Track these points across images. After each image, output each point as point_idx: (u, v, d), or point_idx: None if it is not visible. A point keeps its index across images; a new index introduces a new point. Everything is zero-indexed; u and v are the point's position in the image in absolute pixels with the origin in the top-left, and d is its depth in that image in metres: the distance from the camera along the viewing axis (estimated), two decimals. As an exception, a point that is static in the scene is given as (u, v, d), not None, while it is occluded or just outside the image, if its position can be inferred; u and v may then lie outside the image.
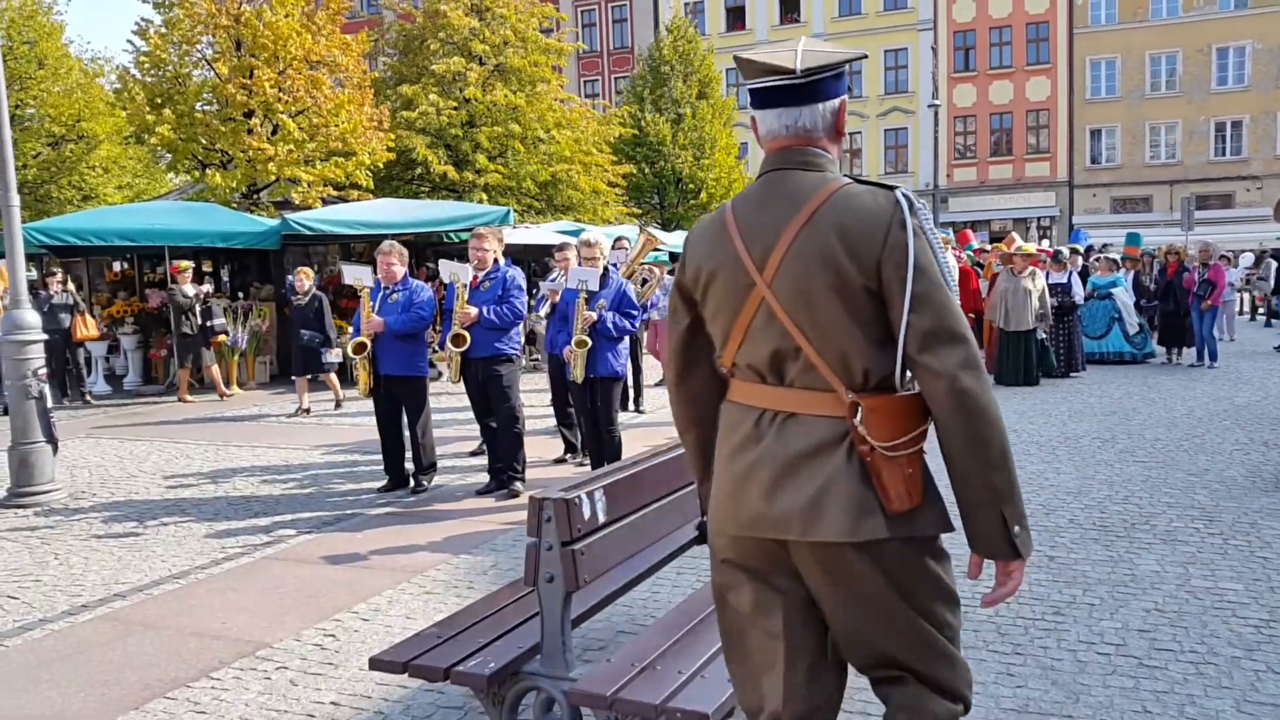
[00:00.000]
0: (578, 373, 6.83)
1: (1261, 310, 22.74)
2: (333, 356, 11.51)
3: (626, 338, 7.16)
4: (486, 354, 7.02)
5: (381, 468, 7.55)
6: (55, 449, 7.54)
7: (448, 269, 7.29)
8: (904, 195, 1.99)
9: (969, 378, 1.90)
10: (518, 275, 7.34)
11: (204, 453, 9.29)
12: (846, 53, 2.10)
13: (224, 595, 5.12)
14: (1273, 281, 21.80)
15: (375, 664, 2.97)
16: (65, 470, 8.37)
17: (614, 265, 8.01)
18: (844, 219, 1.97)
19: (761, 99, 2.12)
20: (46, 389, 7.48)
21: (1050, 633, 4.26)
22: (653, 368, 12.96)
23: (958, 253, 12.76)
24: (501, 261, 7.42)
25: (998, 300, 12.71)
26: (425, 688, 3.84)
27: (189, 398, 12.98)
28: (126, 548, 6.07)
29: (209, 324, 13.03)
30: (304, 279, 11.81)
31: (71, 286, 14.05)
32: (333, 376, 11.93)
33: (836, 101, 2.11)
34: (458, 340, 6.95)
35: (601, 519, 2.99)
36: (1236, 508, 6.24)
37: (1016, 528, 1.99)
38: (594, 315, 6.80)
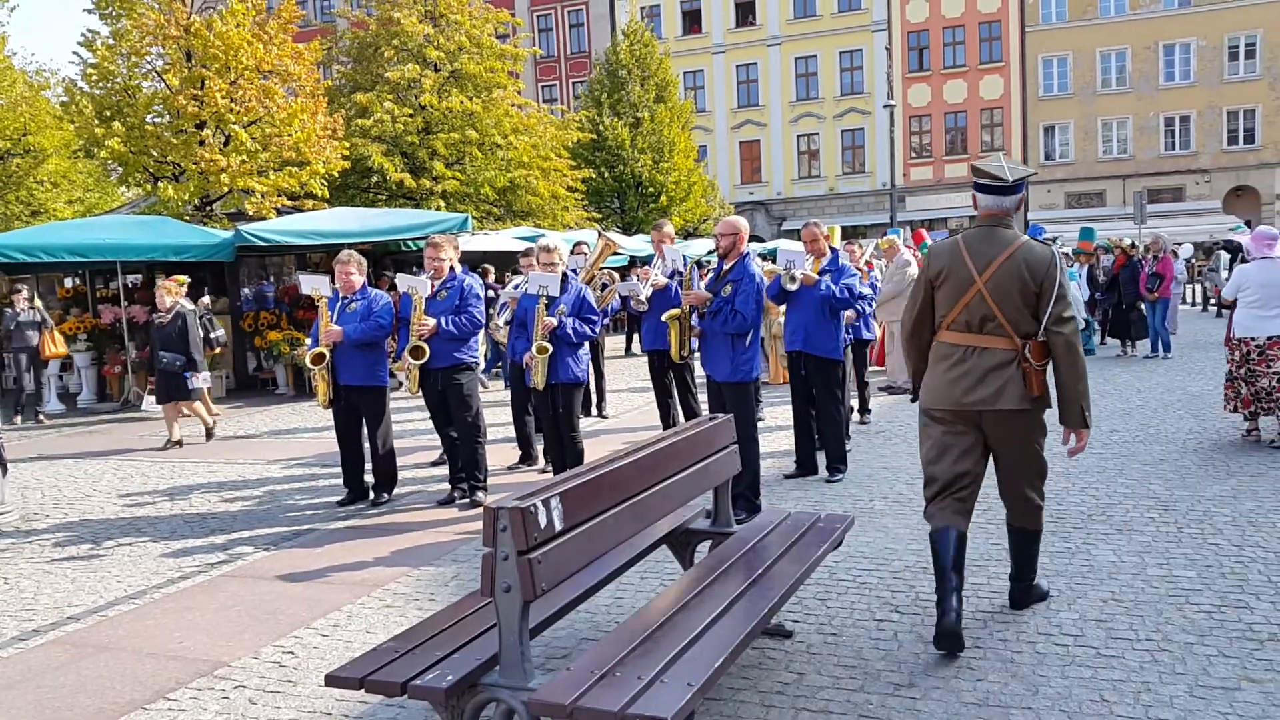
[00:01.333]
0: (538, 379, 6.78)
1: (1213, 301, 23.15)
2: (198, 381, 10.40)
3: (587, 343, 7.16)
4: (446, 364, 6.96)
5: (340, 481, 7.47)
6: (4, 471, 7.38)
7: (405, 282, 7.25)
8: (1055, 251, 4.14)
9: (1073, 339, 4.00)
10: (475, 284, 7.29)
11: (159, 470, 9.14)
12: (1031, 170, 4.38)
13: (180, 615, 5.03)
14: (1224, 273, 22.19)
15: (331, 680, 2.93)
16: (17, 492, 8.20)
17: (573, 270, 8.01)
18: (1028, 257, 4.03)
19: (984, 189, 4.19)
20: (-5, 410, 7.35)
21: (1009, 625, 4.30)
22: (614, 372, 12.95)
23: (914, 251, 12.84)
24: (458, 269, 7.38)
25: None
26: (385, 703, 3.79)
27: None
28: (80, 569, 5.96)
29: (211, 336, 12.81)
30: (165, 295, 10.59)
31: (39, 303, 13.77)
32: (197, 405, 10.67)
33: (1020, 195, 4.17)
34: (416, 353, 6.89)
35: (559, 526, 2.97)
36: (1190, 496, 6.34)
37: (1086, 412, 4.07)
38: (554, 321, 6.75)
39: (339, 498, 7.39)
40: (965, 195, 39.57)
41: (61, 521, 7.24)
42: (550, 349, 6.72)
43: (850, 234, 22.51)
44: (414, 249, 16.59)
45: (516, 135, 23.42)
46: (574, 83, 44.52)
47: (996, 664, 3.90)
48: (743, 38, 42.65)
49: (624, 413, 11.46)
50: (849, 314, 8.28)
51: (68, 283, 19.55)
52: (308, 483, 8.26)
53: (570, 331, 6.79)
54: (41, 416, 13.06)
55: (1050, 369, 4.03)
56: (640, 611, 3.35)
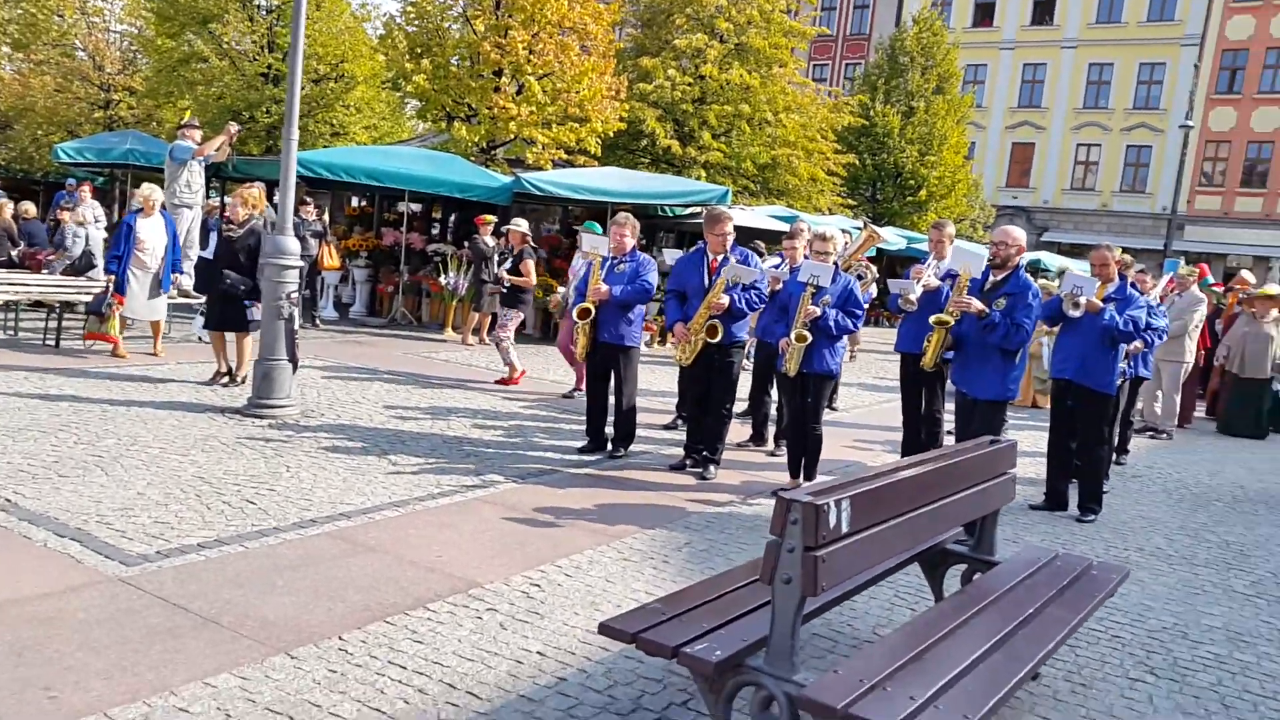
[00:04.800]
0: (791, 365, 6.69)
1: None
2: (258, 312, 8.43)
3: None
4: (725, 341, 7.05)
5: (584, 428, 7.73)
6: (295, 368, 8.10)
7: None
8: None
9: None
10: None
11: (420, 389, 9.76)
12: None
13: (439, 530, 5.36)
14: None
15: (604, 630, 3.02)
16: (297, 389, 8.99)
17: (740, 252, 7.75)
18: None
19: None
20: (296, 312, 8.03)
21: (1295, 724, 3.89)
22: (850, 367, 12.68)
23: (1190, 283, 11.71)
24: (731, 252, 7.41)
25: (1233, 344, 11.75)
26: (626, 653, 3.90)
27: (471, 340, 13.65)
28: (351, 470, 6.46)
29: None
30: (240, 205, 8.91)
31: (325, 217, 15.05)
32: (246, 341, 8.94)
33: None
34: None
35: (845, 529, 2.92)
36: None
37: None
38: (817, 311, 6.62)
39: (580, 444, 7.65)
40: (1253, 232, 36.54)
41: (334, 422, 7.88)
42: (809, 338, 6.60)
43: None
44: (671, 215, 16.86)
45: (787, 114, 23.22)
46: (848, 64, 43.60)
47: (1277, 763, 3.55)
48: (1036, 36, 40.29)
49: (854, 408, 11.25)
50: (1135, 344, 7.73)
51: (354, 201, 21.25)
52: (551, 424, 8.61)
53: (832, 324, 6.65)
54: (318, 321, 14.27)
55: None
56: (906, 628, 3.26)
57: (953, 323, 6.56)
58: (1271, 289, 12.13)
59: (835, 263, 7.09)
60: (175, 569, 4.44)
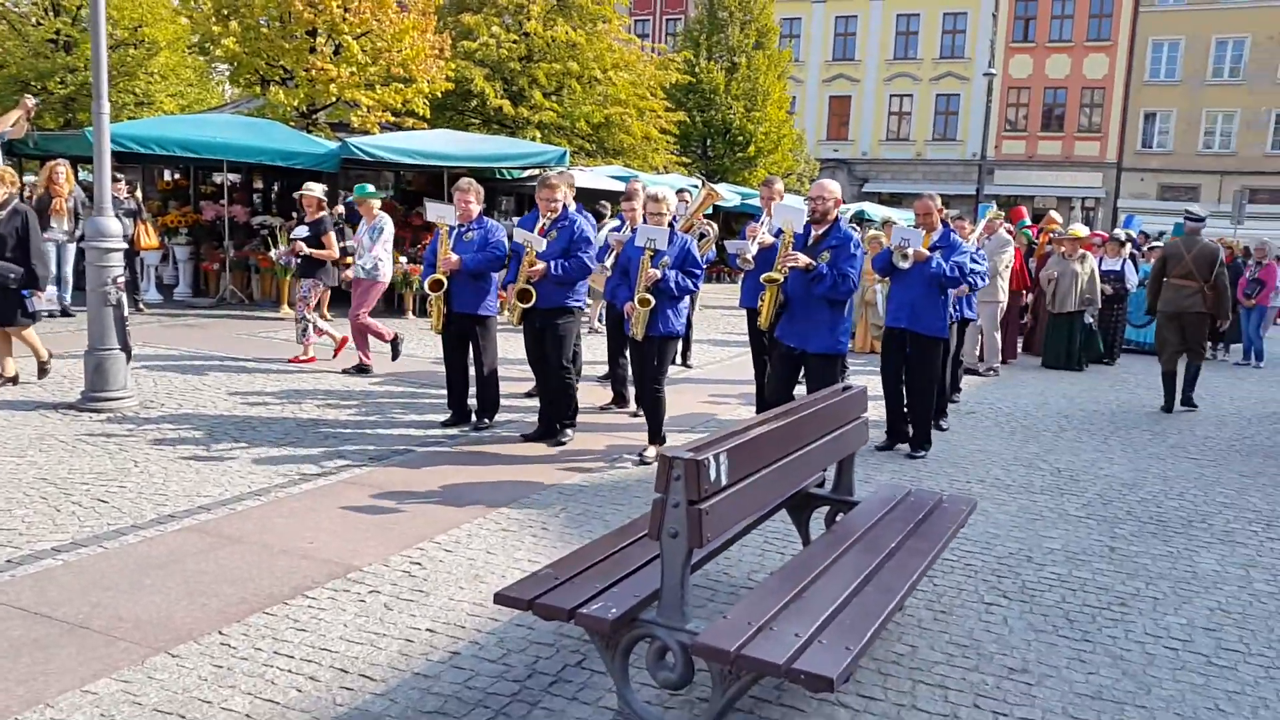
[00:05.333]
0: (638, 330, 6.68)
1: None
2: (40, 302, 7.93)
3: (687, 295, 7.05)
4: (548, 305, 7.01)
5: (445, 402, 7.69)
6: (129, 357, 7.70)
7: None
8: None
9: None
10: (587, 227, 7.32)
11: (264, 370, 9.44)
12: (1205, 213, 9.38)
13: (305, 516, 5.27)
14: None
15: (500, 599, 3.10)
16: (131, 379, 8.54)
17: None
18: (1205, 252, 9.66)
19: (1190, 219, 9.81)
20: (124, 297, 7.62)
21: (1117, 623, 4.36)
22: (700, 322, 12.97)
23: (1007, 228, 12.58)
24: (571, 207, 7.43)
25: (1045, 281, 12.70)
26: (516, 620, 3.99)
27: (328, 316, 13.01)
28: (203, 461, 6.24)
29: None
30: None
31: (138, 194, 14.14)
32: (30, 333, 8.11)
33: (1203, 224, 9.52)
34: (524, 296, 6.94)
35: (724, 481, 3.09)
36: (1294, 513, 6.30)
37: None
38: (658, 274, 6.60)
39: (443, 418, 7.61)
40: (1056, 174, 39.22)
41: (178, 412, 7.56)
42: (653, 301, 6.60)
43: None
44: (509, 178, 16.72)
45: (616, 71, 23.29)
46: (668, 19, 43.96)
47: (1106, 659, 3.98)
48: (844, -11, 41.68)
49: (707, 364, 11.56)
50: (961, 288, 8.23)
51: (165, 175, 20.03)
52: (410, 400, 8.50)
53: (673, 285, 6.65)
54: (141, 305, 13.50)
55: None
56: (782, 572, 3.47)
57: (783, 280, 6.54)
58: (1078, 230, 13.10)
59: (671, 223, 7.04)
60: (31, 576, 4.23)
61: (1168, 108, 38.25)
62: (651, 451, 6.87)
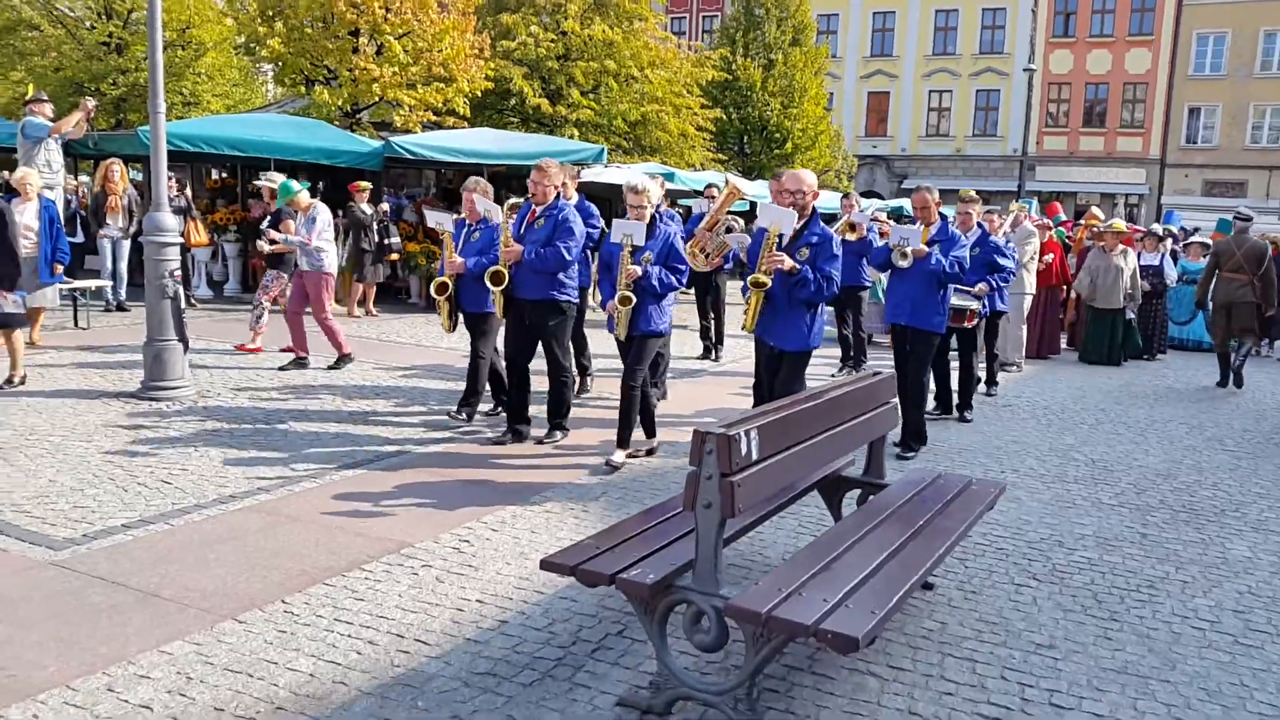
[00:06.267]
0: (621, 330, 6.40)
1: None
2: (8, 305, 7.57)
3: (670, 293, 6.60)
4: (536, 297, 6.75)
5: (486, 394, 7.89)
6: (186, 347, 8.00)
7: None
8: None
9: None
10: (575, 218, 6.86)
11: (314, 365, 9.70)
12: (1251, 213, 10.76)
13: (361, 497, 5.51)
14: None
15: (546, 565, 3.29)
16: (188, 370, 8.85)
17: (666, 214, 7.43)
18: (1255, 248, 10.82)
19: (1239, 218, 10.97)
20: (181, 290, 7.92)
21: (1145, 604, 4.47)
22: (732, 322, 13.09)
23: (1039, 223, 12.56)
24: (573, 198, 7.34)
25: (1086, 276, 12.67)
26: (560, 594, 4.19)
27: (356, 312, 13.55)
28: (261, 446, 6.51)
29: (386, 242, 13.60)
30: None
31: (188, 192, 14.54)
32: (16, 337, 7.87)
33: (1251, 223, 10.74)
34: (496, 278, 6.71)
35: (755, 456, 3.26)
36: (1328, 503, 6.34)
37: None
38: (638, 270, 6.27)
39: (486, 408, 7.79)
40: (1098, 170, 38.83)
41: (234, 402, 7.85)
42: (634, 299, 6.28)
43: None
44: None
45: (653, 69, 23.46)
46: (705, 16, 44.04)
47: (1133, 638, 4.09)
48: (881, -14, 41.53)
49: (742, 358, 11.66)
50: (980, 287, 8.27)
51: (213, 174, 20.50)
52: (455, 392, 8.71)
53: (655, 282, 6.32)
54: (193, 300, 13.88)
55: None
56: (812, 545, 3.63)
57: (769, 283, 5.97)
58: (1119, 224, 13.06)
59: (655, 215, 6.69)
60: (105, 550, 4.50)
61: (1213, 102, 37.71)
62: (619, 456, 6.49)
